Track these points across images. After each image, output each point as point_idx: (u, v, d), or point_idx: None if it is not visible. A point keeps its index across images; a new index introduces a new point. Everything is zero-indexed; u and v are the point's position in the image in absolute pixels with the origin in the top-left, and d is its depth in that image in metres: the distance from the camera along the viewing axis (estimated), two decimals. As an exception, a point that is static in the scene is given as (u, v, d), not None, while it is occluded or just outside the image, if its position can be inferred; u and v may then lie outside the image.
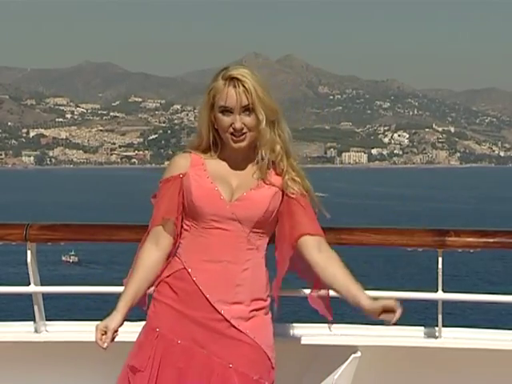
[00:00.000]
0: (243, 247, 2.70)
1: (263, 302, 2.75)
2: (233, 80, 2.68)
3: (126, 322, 3.41)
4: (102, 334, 2.72)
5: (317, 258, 2.74)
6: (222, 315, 2.66)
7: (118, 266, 44.67)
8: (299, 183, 2.76)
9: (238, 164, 2.77)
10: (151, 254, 2.75)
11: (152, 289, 2.80)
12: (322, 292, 2.88)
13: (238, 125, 2.68)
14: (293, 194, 2.75)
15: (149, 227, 2.79)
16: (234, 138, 2.70)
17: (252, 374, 2.66)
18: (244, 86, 2.67)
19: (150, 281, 2.76)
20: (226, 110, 2.69)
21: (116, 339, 3.32)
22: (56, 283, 3.59)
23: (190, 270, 2.69)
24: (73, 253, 47.16)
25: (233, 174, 2.76)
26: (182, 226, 2.76)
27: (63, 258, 46.66)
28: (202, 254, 2.69)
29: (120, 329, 3.30)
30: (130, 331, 3.36)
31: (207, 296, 2.66)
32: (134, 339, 3.28)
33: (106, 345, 2.70)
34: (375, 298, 2.67)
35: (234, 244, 2.70)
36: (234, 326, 2.67)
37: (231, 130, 2.70)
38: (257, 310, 2.73)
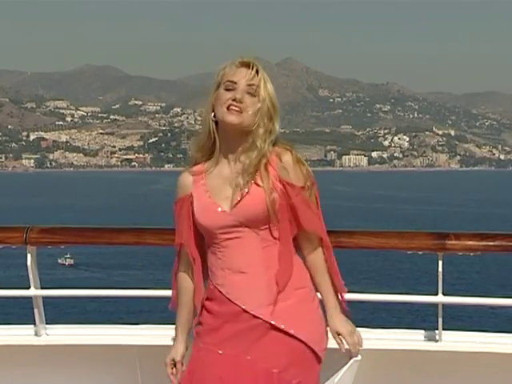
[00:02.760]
0: (259, 247, 2.69)
1: (301, 290, 2.71)
2: (246, 63, 2.73)
3: (125, 325, 3.41)
4: (172, 368, 2.83)
5: (307, 256, 2.78)
6: (261, 319, 2.65)
7: (115, 269, 44.68)
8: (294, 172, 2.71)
9: (237, 160, 2.73)
10: (187, 278, 2.82)
11: None
12: None
13: (238, 95, 2.68)
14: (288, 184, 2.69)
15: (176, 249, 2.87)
16: (230, 107, 2.66)
17: (292, 378, 2.66)
18: (257, 71, 2.71)
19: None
20: (230, 88, 2.69)
21: (115, 342, 3.33)
22: (54, 286, 3.59)
23: (220, 288, 2.69)
24: (68, 255, 47.10)
25: (232, 175, 2.72)
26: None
27: (59, 261, 46.57)
28: (225, 268, 2.69)
29: (118, 332, 3.31)
30: (130, 334, 3.36)
31: (243, 307, 2.65)
32: (134, 342, 3.29)
33: (178, 377, 2.80)
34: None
35: (249, 248, 2.68)
36: (275, 327, 2.65)
37: (229, 102, 2.68)
38: (297, 301, 2.69)
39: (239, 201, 2.68)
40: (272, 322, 2.65)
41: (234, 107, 2.67)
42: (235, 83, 2.69)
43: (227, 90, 2.70)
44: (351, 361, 3.15)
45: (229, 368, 2.64)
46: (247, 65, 2.72)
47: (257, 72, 2.71)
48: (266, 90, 2.71)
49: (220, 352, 2.66)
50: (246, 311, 2.65)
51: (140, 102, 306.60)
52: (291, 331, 2.65)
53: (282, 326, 2.65)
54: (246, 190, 2.68)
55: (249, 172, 2.69)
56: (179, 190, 2.81)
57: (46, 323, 3.39)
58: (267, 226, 2.69)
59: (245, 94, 2.69)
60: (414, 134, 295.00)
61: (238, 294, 2.67)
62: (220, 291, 2.69)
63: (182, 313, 2.83)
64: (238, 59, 2.74)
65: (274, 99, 2.72)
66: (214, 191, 2.73)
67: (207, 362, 2.67)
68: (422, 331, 3.28)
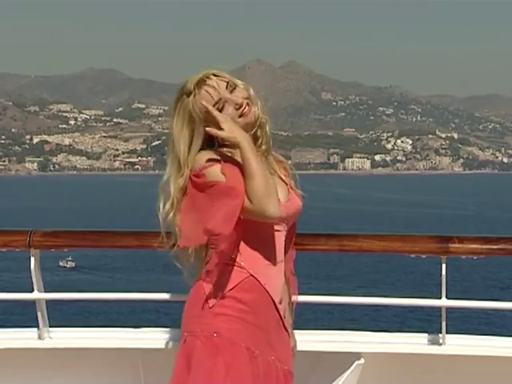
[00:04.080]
0: (283, 243, 2.71)
1: None
2: (197, 85, 2.64)
3: (128, 328, 3.41)
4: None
5: None
6: (280, 315, 2.67)
7: (116, 272, 44.67)
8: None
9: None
10: None
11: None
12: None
13: (239, 100, 2.63)
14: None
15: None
16: (244, 111, 2.63)
17: (292, 370, 2.71)
18: (210, 78, 2.64)
19: None
20: (222, 105, 2.61)
21: (118, 345, 3.32)
22: (55, 289, 3.59)
23: (259, 278, 2.62)
24: (70, 258, 47.05)
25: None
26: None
27: (60, 263, 46.54)
28: (265, 259, 2.65)
29: (121, 335, 3.30)
30: (134, 337, 3.36)
31: (275, 300, 2.65)
32: (137, 345, 3.28)
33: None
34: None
35: (281, 243, 2.70)
36: (283, 324, 2.70)
37: (239, 112, 2.62)
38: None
39: (289, 194, 2.70)
40: (283, 319, 2.69)
41: (244, 109, 2.63)
42: (220, 99, 2.62)
43: (221, 110, 2.62)
44: (354, 364, 3.15)
45: (265, 369, 2.60)
46: (204, 80, 2.64)
47: (210, 78, 2.64)
48: (232, 76, 2.66)
49: (257, 352, 2.60)
50: (275, 305, 2.65)
51: (143, 105, 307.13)
52: (288, 328, 2.73)
53: (285, 323, 2.71)
54: (289, 186, 2.73)
55: (282, 169, 2.75)
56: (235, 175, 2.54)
57: (50, 326, 3.39)
58: (290, 226, 2.75)
59: (235, 94, 2.64)
60: (417, 137, 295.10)
61: (272, 286, 2.64)
62: (258, 280, 2.61)
63: None
64: (193, 86, 2.64)
65: (242, 80, 2.69)
66: None
67: (251, 364, 2.57)
68: (426, 335, 3.28)
